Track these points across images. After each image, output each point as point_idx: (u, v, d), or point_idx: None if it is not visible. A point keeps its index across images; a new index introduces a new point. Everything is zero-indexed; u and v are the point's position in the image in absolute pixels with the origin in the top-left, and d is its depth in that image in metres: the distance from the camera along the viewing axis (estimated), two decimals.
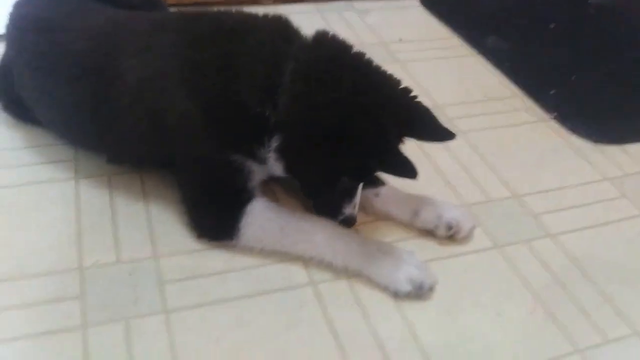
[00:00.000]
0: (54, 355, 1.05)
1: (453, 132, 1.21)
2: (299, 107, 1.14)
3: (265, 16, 1.26)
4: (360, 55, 1.21)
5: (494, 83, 1.98)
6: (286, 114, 1.15)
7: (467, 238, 1.33)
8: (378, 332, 1.14)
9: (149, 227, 1.31)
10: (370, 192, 1.35)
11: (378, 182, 1.37)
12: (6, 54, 1.52)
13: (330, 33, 1.23)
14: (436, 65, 2.05)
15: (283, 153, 1.19)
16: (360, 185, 1.26)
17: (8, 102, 1.53)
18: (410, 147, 1.51)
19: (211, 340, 1.10)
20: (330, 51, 1.20)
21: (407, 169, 1.11)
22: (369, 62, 1.21)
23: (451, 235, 1.31)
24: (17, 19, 1.46)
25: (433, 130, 1.20)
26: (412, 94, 1.20)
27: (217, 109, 1.20)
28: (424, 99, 1.79)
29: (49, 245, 1.25)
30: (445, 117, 1.77)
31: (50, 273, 1.20)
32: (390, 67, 1.93)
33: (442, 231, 1.30)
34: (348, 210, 1.25)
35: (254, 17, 1.26)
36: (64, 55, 1.31)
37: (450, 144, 1.62)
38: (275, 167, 1.22)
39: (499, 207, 1.45)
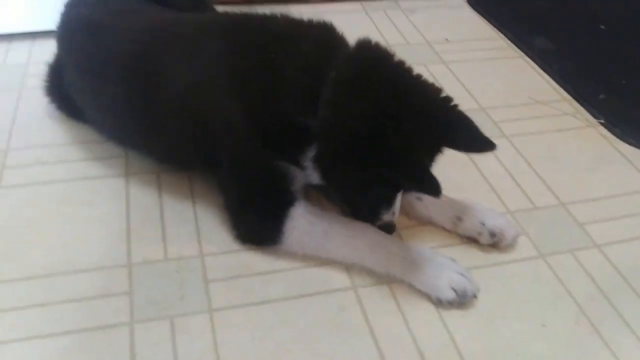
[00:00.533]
0: (102, 350, 1.09)
1: (493, 142, 1.19)
2: (336, 118, 1.14)
3: (310, 22, 1.27)
4: (400, 65, 1.20)
5: (541, 86, 1.95)
6: (324, 124, 1.15)
7: (510, 246, 1.32)
8: (418, 339, 1.14)
9: (196, 225, 1.34)
10: (413, 196, 1.34)
11: None
12: (58, 52, 1.57)
13: (373, 41, 1.23)
14: (482, 67, 2.03)
15: (319, 162, 1.20)
16: (400, 193, 1.25)
17: (60, 101, 1.57)
18: (455, 152, 1.52)
19: (254, 339, 1.13)
20: (371, 61, 1.19)
21: (432, 186, 1.10)
22: (409, 72, 1.20)
23: (494, 243, 1.30)
24: (67, 20, 1.50)
25: (473, 140, 1.19)
26: (453, 103, 1.19)
27: (260, 116, 1.21)
28: (468, 101, 1.82)
29: (98, 240, 1.29)
30: (490, 120, 1.76)
31: (99, 268, 1.23)
32: (435, 68, 1.97)
33: (485, 238, 1.29)
34: (386, 217, 1.25)
35: (299, 24, 1.27)
36: (111, 57, 1.34)
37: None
38: (313, 175, 1.23)
39: (544, 215, 1.44)
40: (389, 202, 1.25)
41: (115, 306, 1.16)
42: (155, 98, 1.29)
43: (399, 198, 1.26)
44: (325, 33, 1.25)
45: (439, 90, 1.20)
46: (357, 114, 1.12)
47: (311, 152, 1.20)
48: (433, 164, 1.20)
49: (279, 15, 1.30)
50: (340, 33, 1.26)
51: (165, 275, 1.23)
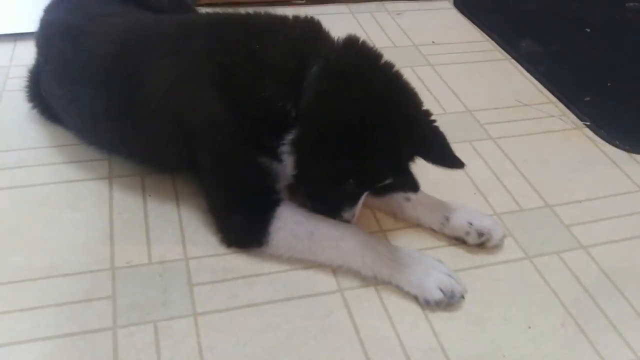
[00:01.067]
0: (85, 355, 1.08)
1: (462, 162, 1.20)
2: (323, 102, 1.14)
3: (296, 18, 1.27)
4: (389, 65, 1.21)
5: (527, 88, 1.96)
6: (308, 108, 1.15)
7: (497, 247, 1.32)
8: (404, 342, 1.14)
9: (180, 227, 1.33)
10: (401, 196, 1.34)
11: (410, 188, 1.35)
12: (37, 57, 1.54)
13: (361, 39, 1.23)
14: (469, 69, 2.03)
15: (297, 146, 1.18)
16: (364, 195, 1.24)
17: (42, 105, 1.55)
18: None
19: (239, 344, 1.12)
20: (361, 55, 1.20)
21: (411, 183, 1.12)
22: (397, 74, 1.21)
23: (482, 243, 1.30)
24: (45, 26, 1.48)
25: (444, 156, 1.20)
26: (432, 117, 1.21)
27: (243, 106, 1.20)
28: (455, 104, 1.82)
29: (82, 243, 1.28)
30: (476, 123, 1.76)
31: (82, 272, 1.22)
32: (422, 71, 1.97)
33: (472, 238, 1.29)
34: (347, 215, 1.24)
35: (284, 19, 1.27)
36: (90, 61, 1.33)
37: (482, 151, 1.63)
38: (287, 162, 1.22)
39: (530, 217, 1.44)
40: (353, 201, 1.24)
41: (98, 311, 1.15)
42: (135, 99, 1.27)
43: (362, 199, 1.25)
44: (311, 26, 1.26)
45: (421, 102, 1.22)
46: (345, 101, 1.12)
47: (290, 137, 1.18)
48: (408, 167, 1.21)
49: (262, 13, 1.30)
50: (326, 29, 1.26)
51: (148, 279, 1.21)
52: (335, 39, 1.24)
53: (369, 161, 1.14)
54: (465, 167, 1.20)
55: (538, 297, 1.24)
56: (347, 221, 1.25)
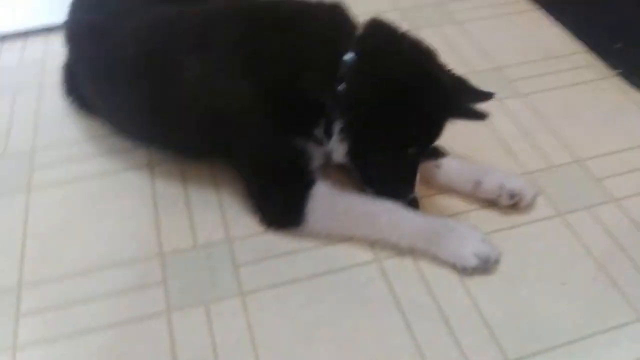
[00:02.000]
0: (143, 340, 1.15)
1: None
2: (364, 84, 1.19)
3: (321, 3, 1.29)
4: (415, 40, 1.26)
5: (555, 39, 1.93)
6: (350, 97, 1.20)
7: (529, 206, 1.34)
8: (442, 307, 1.19)
9: (221, 211, 1.39)
10: (432, 164, 1.37)
11: (439, 154, 1.39)
12: (68, 55, 1.60)
13: (384, 19, 1.27)
14: (495, 24, 2.01)
15: (347, 132, 1.23)
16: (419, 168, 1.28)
17: (79, 100, 1.61)
18: None
19: (285, 318, 1.18)
20: (390, 33, 1.26)
21: (476, 115, 1.20)
22: (424, 46, 1.25)
23: (514, 204, 1.33)
24: (72, 24, 1.53)
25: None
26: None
27: (278, 96, 1.24)
28: (484, 62, 1.83)
29: (131, 232, 1.35)
30: (505, 80, 1.76)
31: (133, 261, 1.29)
32: (449, 30, 1.97)
33: (504, 200, 1.32)
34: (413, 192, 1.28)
35: (310, 5, 1.30)
36: (120, 61, 1.37)
37: (512, 108, 1.64)
38: (338, 151, 1.27)
39: (561, 173, 1.45)
40: (412, 174, 1.29)
41: (152, 296, 1.22)
42: (169, 93, 1.32)
43: (418, 171, 1.29)
44: (337, 13, 1.29)
45: (444, 65, 1.26)
46: (383, 78, 1.18)
47: (337, 127, 1.24)
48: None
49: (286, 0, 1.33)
50: (350, 13, 1.30)
51: (196, 263, 1.28)
52: (361, 24, 1.27)
53: (423, 123, 1.21)
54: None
55: (570, 254, 1.27)
56: (414, 197, 1.29)
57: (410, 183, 1.29)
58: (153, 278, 1.26)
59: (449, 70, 1.26)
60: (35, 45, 1.96)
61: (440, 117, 1.23)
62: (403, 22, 1.95)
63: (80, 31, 1.48)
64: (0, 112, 1.69)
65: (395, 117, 1.19)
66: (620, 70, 1.77)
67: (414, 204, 1.29)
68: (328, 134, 1.26)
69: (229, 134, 1.31)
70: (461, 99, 1.23)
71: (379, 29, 1.26)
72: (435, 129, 1.25)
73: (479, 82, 1.71)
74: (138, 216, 1.39)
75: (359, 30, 1.25)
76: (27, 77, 1.82)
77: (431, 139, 1.27)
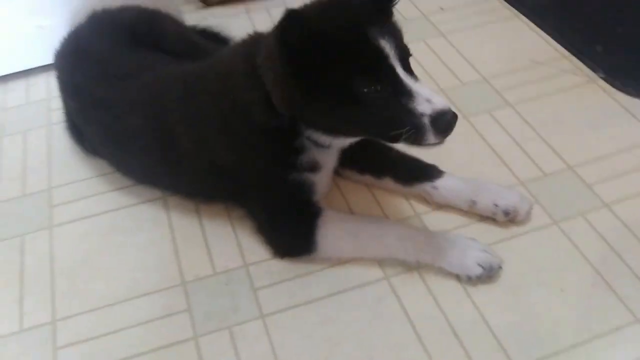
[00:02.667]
0: None
1: None
2: (276, 81, 1.20)
3: (241, 42, 1.38)
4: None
5: (540, 45, 2.01)
6: (278, 98, 1.22)
7: (525, 220, 1.42)
8: (450, 318, 1.27)
9: (236, 238, 1.47)
10: (429, 185, 1.45)
11: (435, 174, 1.47)
12: (66, 105, 1.68)
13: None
14: (479, 33, 2.09)
15: (307, 121, 1.25)
16: (406, 77, 1.14)
17: (88, 148, 1.68)
18: (463, 126, 1.66)
19: (304, 337, 1.26)
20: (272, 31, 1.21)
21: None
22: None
23: (510, 219, 1.41)
24: (68, 87, 1.61)
25: None
26: None
27: (252, 144, 1.32)
28: (471, 73, 1.91)
29: (152, 264, 1.43)
30: (493, 90, 1.84)
31: (158, 290, 1.37)
32: (434, 42, 2.05)
33: (500, 217, 1.41)
34: (421, 106, 1.11)
35: (233, 50, 1.40)
36: (124, 129, 1.47)
37: (501, 119, 1.72)
38: (322, 153, 1.33)
39: (554, 181, 1.53)
40: (400, 91, 1.13)
41: (179, 323, 1.30)
42: (170, 159, 1.44)
43: (411, 82, 1.14)
44: (249, 42, 1.35)
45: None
46: (280, 64, 1.16)
47: (305, 130, 1.28)
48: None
49: (216, 54, 1.46)
50: (260, 33, 1.34)
51: (217, 289, 1.36)
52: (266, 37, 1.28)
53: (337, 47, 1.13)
54: None
55: (567, 260, 1.36)
56: (442, 113, 1.11)
57: (408, 109, 1.11)
58: (178, 306, 1.33)
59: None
60: (38, 85, 2.01)
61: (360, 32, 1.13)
62: None
63: (85, 99, 1.55)
64: (14, 153, 1.76)
65: (307, 64, 1.12)
66: (603, 74, 1.85)
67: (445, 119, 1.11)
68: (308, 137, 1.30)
69: (229, 184, 1.40)
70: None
71: (264, 35, 1.29)
72: (356, 45, 1.13)
73: (468, 94, 1.82)
74: (157, 247, 1.46)
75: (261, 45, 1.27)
76: (34, 116, 1.88)
77: (375, 55, 1.13)
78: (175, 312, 1.32)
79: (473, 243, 1.34)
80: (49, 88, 1.97)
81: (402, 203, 1.50)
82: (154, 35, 1.66)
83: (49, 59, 1.78)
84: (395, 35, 1.18)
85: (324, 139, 1.30)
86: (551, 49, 1.99)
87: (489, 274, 1.31)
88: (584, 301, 1.28)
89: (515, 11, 2.19)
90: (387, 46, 1.13)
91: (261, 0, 2.32)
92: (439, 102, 1.10)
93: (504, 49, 2.01)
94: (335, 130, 1.27)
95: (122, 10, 1.76)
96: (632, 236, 1.39)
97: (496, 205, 1.40)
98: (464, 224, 1.44)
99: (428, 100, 1.10)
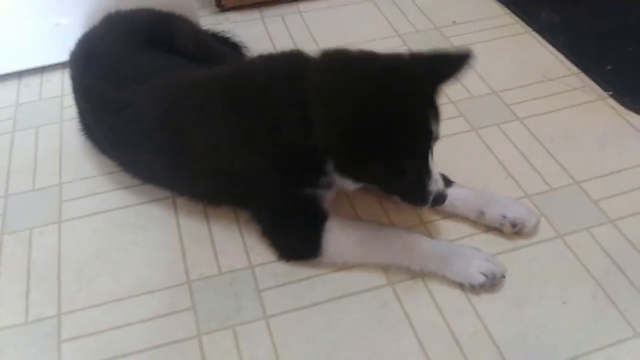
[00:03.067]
0: None
1: (468, 50, 1.26)
2: (328, 126, 1.22)
3: (278, 56, 1.39)
4: (361, 54, 1.27)
5: (550, 61, 2.03)
6: (325, 138, 1.23)
7: (532, 233, 1.43)
8: (452, 326, 1.28)
9: (242, 239, 1.48)
10: None
11: (445, 184, 1.47)
12: (79, 105, 1.69)
13: (334, 48, 1.30)
14: (491, 48, 2.11)
15: (343, 170, 1.29)
16: (431, 159, 1.26)
17: (99, 147, 1.69)
18: (470, 139, 1.68)
19: (308, 340, 1.27)
20: (336, 64, 1.26)
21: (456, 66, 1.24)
22: (372, 55, 1.27)
23: (517, 231, 1.42)
24: (83, 91, 1.62)
25: (452, 62, 1.26)
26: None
27: (274, 157, 1.33)
28: (481, 87, 1.92)
29: (158, 261, 1.44)
30: (503, 104, 1.86)
31: (163, 288, 1.38)
32: None
33: (507, 229, 1.42)
34: (433, 187, 1.27)
35: (268, 63, 1.38)
36: (137, 132, 1.48)
37: (510, 133, 1.73)
38: (345, 183, 1.35)
39: (560, 195, 1.54)
40: (426, 171, 1.27)
41: (182, 321, 1.31)
42: (182, 163, 1.44)
43: (432, 164, 1.27)
44: (291, 59, 1.35)
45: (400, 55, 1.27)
46: (344, 115, 1.18)
47: (330, 167, 1.29)
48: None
49: (254, 62, 1.45)
50: (306, 53, 1.36)
51: (221, 289, 1.37)
52: (315, 59, 1.31)
53: (402, 134, 1.19)
54: (471, 53, 1.26)
55: (570, 274, 1.37)
56: (439, 193, 1.28)
57: (424, 186, 1.27)
58: (183, 304, 1.35)
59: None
60: (53, 82, 2.03)
61: (412, 106, 1.20)
62: (402, 48, 2.09)
63: (97, 103, 1.56)
64: (26, 148, 1.77)
65: (370, 129, 1.16)
66: (612, 92, 1.86)
67: (437, 202, 1.31)
68: (330, 173, 1.33)
69: (240, 189, 1.41)
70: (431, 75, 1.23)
71: (328, 59, 1.29)
72: (414, 123, 1.21)
73: (477, 106, 1.83)
74: (164, 245, 1.48)
75: (313, 70, 1.28)
76: (47, 113, 1.90)
77: (420, 138, 1.22)
78: (180, 310, 1.34)
79: (477, 252, 1.35)
80: (63, 85, 1.99)
81: (409, 211, 1.51)
82: (169, 38, 1.68)
83: (64, 56, 1.80)
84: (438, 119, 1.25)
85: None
86: (562, 66, 2.00)
87: (492, 283, 1.32)
88: (585, 314, 1.29)
89: (528, 27, 2.21)
90: (435, 130, 1.24)
91: (277, 7, 2.35)
92: (441, 185, 1.30)
93: (515, 64, 2.03)
94: (357, 181, 1.33)
95: (137, 13, 1.78)
96: (635, 252, 1.40)
97: (504, 217, 1.41)
98: (470, 234, 1.45)
99: (436, 182, 1.28)
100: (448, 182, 1.47)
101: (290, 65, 1.34)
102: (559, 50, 2.08)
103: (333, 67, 1.27)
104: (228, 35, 2.06)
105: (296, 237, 1.39)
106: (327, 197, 1.39)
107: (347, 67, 1.24)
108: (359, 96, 1.16)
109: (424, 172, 1.27)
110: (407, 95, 1.19)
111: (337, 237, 1.36)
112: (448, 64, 1.26)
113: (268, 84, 1.32)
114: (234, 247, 1.46)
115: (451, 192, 1.44)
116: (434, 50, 1.27)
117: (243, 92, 1.35)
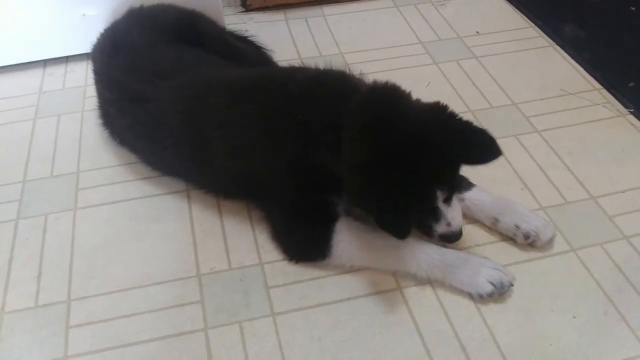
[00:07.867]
0: (182, 354, 1.25)
1: (499, 151, 1.27)
2: (351, 160, 1.24)
3: (325, 74, 1.40)
4: (413, 103, 1.30)
5: (571, 76, 2.02)
6: (347, 160, 1.25)
7: (546, 247, 1.42)
8: (460, 334, 1.27)
9: (254, 236, 1.48)
10: (455, 197, 1.45)
11: (464, 186, 1.47)
12: (101, 96, 1.70)
13: (385, 82, 1.32)
14: (513, 59, 2.10)
15: (347, 191, 1.31)
16: (443, 203, 1.29)
17: (119, 139, 1.71)
18: None
19: (314, 339, 1.27)
20: (387, 106, 1.28)
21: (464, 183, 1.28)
22: (419, 105, 1.30)
23: (530, 243, 1.41)
24: (108, 82, 1.63)
25: (483, 150, 1.27)
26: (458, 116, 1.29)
27: (297, 167, 1.35)
28: (501, 98, 1.92)
29: (170, 253, 1.45)
30: (522, 116, 1.85)
31: (173, 280, 1.39)
32: (467, 64, 2.06)
33: (520, 239, 1.41)
34: (441, 228, 1.30)
35: (315, 79, 1.39)
36: (159, 126, 1.50)
37: (528, 144, 1.72)
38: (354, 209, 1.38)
39: (575, 209, 1.53)
40: (435, 215, 1.29)
41: (190, 314, 1.32)
42: (202, 159, 1.46)
43: (450, 208, 1.30)
44: (338, 84, 1.36)
45: (444, 108, 1.29)
46: (375, 147, 1.22)
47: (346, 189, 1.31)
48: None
49: (295, 72, 1.44)
50: (354, 78, 1.38)
51: (231, 284, 1.38)
52: (362, 88, 1.33)
53: (420, 187, 1.24)
54: (500, 154, 1.27)
55: (582, 288, 1.35)
56: (448, 233, 1.31)
57: (429, 227, 1.31)
58: (191, 297, 1.35)
59: (452, 126, 1.27)
60: (76, 71, 2.06)
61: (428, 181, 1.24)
62: (425, 56, 2.09)
63: (121, 94, 1.58)
64: (47, 135, 1.80)
65: (385, 182, 1.20)
66: (633, 109, 1.84)
67: (445, 239, 1.34)
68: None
69: (258, 189, 1.44)
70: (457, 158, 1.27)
71: (378, 95, 1.30)
72: (426, 190, 1.25)
73: (496, 117, 1.82)
74: (176, 238, 1.49)
75: (360, 97, 1.29)
76: (70, 102, 1.92)
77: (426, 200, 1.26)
78: (188, 303, 1.34)
79: (485, 261, 1.35)
80: (86, 75, 2.01)
81: None
82: (194, 34, 1.70)
83: (89, 47, 1.82)
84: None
85: None
86: (583, 81, 1.99)
87: (500, 292, 1.31)
88: (595, 329, 1.27)
89: (551, 41, 2.20)
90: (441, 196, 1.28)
91: (301, 9, 2.36)
92: (455, 226, 1.31)
93: (536, 77, 2.02)
94: (355, 206, 1.35)
95: (161, 8, 1.80)
96: None
97: (517, 227, 1.40)
98: (484, 242, 1.45)
99: (445, 224, 1.30)
100: (468, 184, 1.47)
101: (337, 86, 1.35)
102: (582, 65, 2.07)
103: (382, 102, 1.28)
104: (248, 36, 2.06)
105: (306, 237, 1.39)
106: (340, 205, 1.39)
107: (394, 109, 1.26)
108: (394, 142, 1.21)
109: (434, 215, 1.29)
110: (429, 165, 1.22)
111: (347, 239, 1.36)
112: (479, 157, 1.28)
113: (311, 98, 1.33)
114: (245, 243, 1.47)
115: (469, 195, 1.45)
116: (476, 130, 1.28)
117: (279, 99, 1.36)
